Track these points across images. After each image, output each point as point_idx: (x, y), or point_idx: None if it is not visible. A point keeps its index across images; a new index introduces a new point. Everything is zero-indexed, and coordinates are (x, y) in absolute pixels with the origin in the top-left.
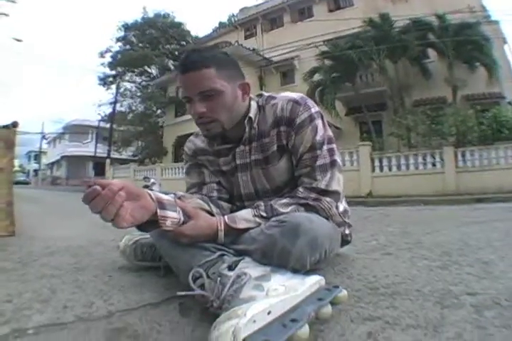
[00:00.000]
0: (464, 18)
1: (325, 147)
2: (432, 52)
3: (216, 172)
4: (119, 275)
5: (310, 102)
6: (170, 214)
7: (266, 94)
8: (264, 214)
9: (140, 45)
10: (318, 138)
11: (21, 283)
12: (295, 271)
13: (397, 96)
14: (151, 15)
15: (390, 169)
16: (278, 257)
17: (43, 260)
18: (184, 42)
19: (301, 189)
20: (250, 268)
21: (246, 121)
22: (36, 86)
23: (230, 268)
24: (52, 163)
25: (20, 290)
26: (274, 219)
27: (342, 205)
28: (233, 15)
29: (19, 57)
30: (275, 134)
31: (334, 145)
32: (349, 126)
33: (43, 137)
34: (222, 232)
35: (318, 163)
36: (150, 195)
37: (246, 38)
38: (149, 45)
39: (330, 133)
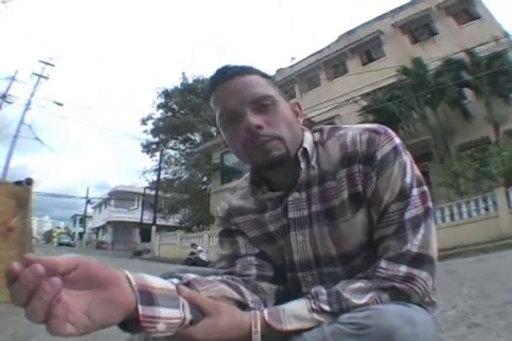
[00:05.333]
0: (491, 49)
1: (415, 191)
2: (468, 92)
3: (259, 240)
4: None
5: (391, 131)
6: (164, 312)
7: (327, 127)
8: (327, 308)
9: (182, 111)
10: (407, 179)
11: None
12: None
13: (442, 143)
14: (190, 80)
15: (443, 220)
16: None
17: (37, 337)
18: None
19: (383, 264)
20: None
21: (300, 153)
22: (80, 151)
23: None
24: (98, 228)
25: None
26: (345, 318)
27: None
28: None
29: (61, 121)
30: (345, 176)
31: (426, 188)
32: None
33: (88, 202)
34: (258, 335)
35: (408, 214)
36: (129, 280)
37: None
38: (191, 111)
39: (418, 172)
